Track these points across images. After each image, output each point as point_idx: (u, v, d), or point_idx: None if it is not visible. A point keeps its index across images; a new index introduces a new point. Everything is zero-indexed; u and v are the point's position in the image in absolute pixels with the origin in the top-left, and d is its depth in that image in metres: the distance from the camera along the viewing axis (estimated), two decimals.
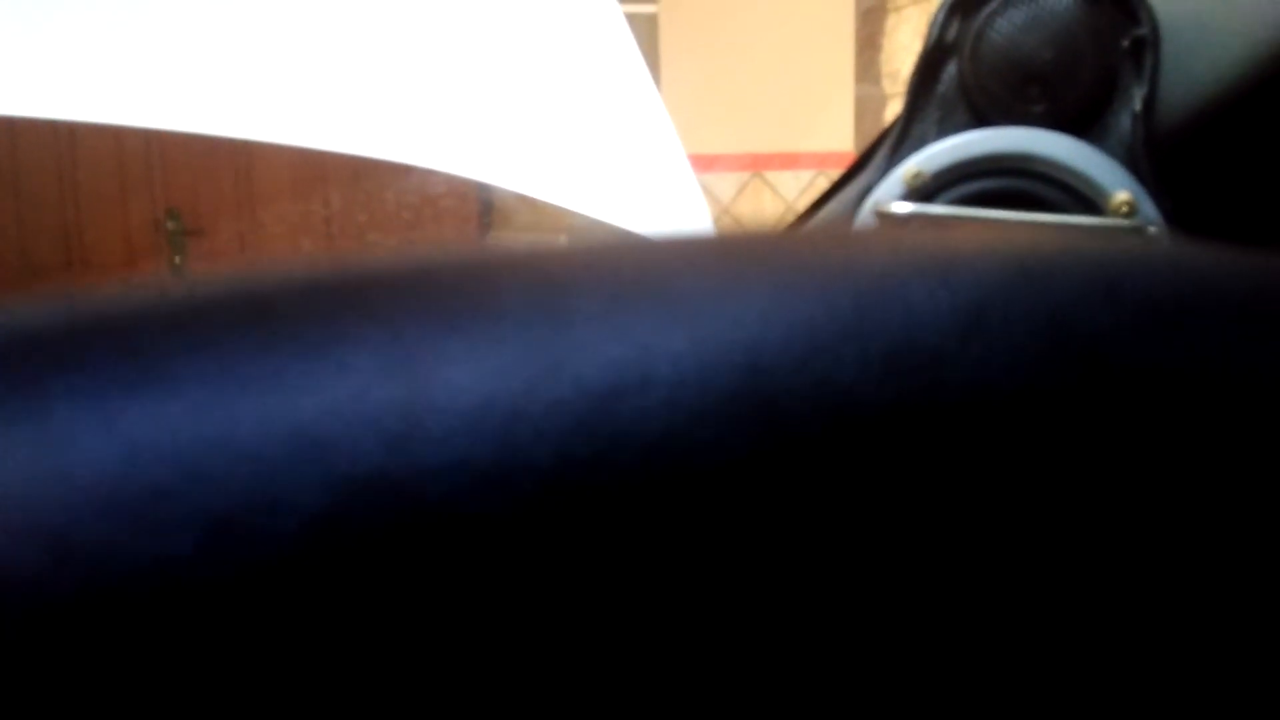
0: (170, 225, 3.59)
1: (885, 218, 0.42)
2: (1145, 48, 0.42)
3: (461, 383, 0.06)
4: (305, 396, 0.06)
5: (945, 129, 0.43)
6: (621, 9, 1.02)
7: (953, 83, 0.43)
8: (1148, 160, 0.42)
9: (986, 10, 0.42)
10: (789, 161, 3.80)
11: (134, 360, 0.06)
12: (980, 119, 0.43)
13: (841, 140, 3.70)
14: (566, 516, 0.06)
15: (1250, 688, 0.09)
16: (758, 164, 3.80)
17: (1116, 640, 0.08)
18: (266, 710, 0.06)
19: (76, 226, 3.61)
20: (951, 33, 0.43)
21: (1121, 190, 0.41)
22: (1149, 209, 0.41)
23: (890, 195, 0.43)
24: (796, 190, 3.76)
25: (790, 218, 0.62)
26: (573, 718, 0.07)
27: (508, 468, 0.06)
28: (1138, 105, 0.42)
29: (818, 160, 3.74)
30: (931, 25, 0.44)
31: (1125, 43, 0.42)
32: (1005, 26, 0.42)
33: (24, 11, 0.87)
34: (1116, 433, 0.08)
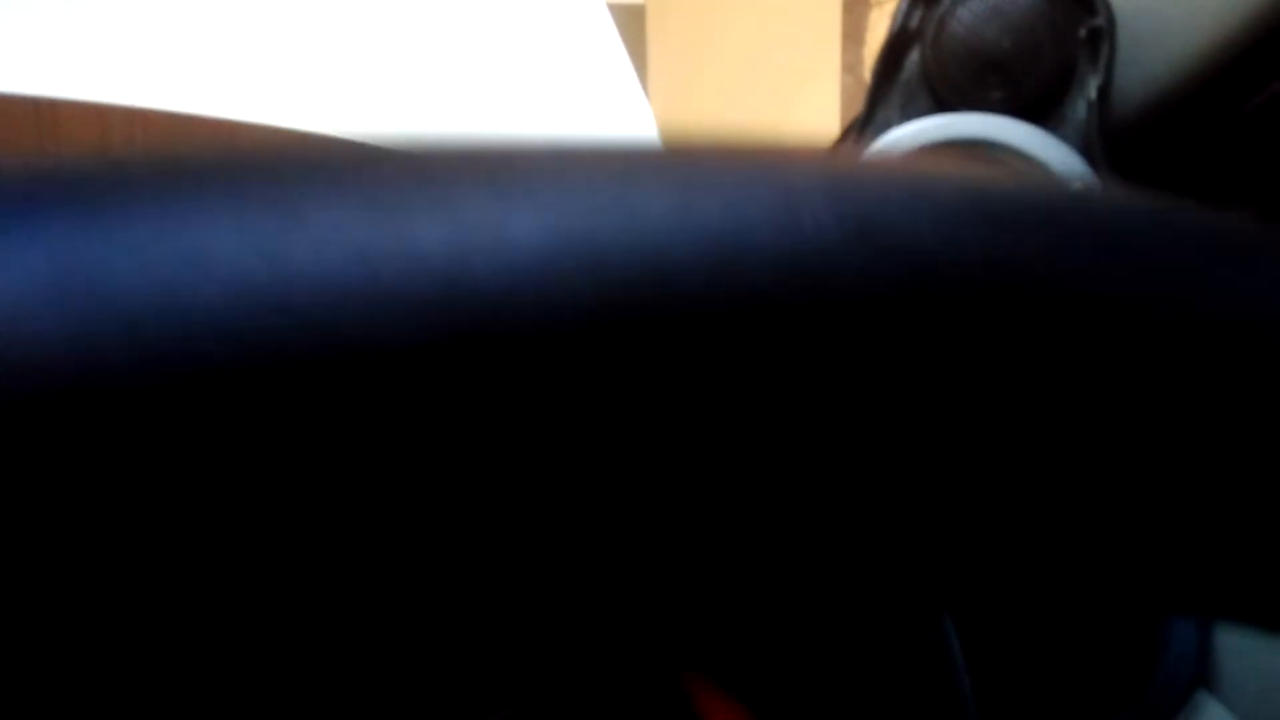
0: None
1: None
2: (1101, 38, 0.43)
3: (327, 237, 0.08)
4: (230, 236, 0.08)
5: (908, 114, 0.45)
6: (606, 0, 1.02)
7: (916, 70, 0.45)
8: (1102, 147, 0.43)
9: (948, 0, 0.44)
10: None
11: (277, 194, 0.08)
12: (941, 105, 0.44)
13: (828, 132, 3.71)
14: (429, 347, 0.08)
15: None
16: None
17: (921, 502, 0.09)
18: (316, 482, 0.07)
19: None
20: (915, 21, 0.44)
21: (1075, 177, 0.42)
22: None
23: None
24: None
25: None
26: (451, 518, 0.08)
27: (385, 304, 0.08)
28: (1093, 94, 0.43)
29: None
30: (895, 14, 0.45)
31: (1082, 33, 0.43)
32: (966, 16, 0.43)
33: None
34: (955, 337, 0.09)
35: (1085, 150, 0.43)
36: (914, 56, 0.44)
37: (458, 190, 0.08)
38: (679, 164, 0.09)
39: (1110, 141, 0.44)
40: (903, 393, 0.09)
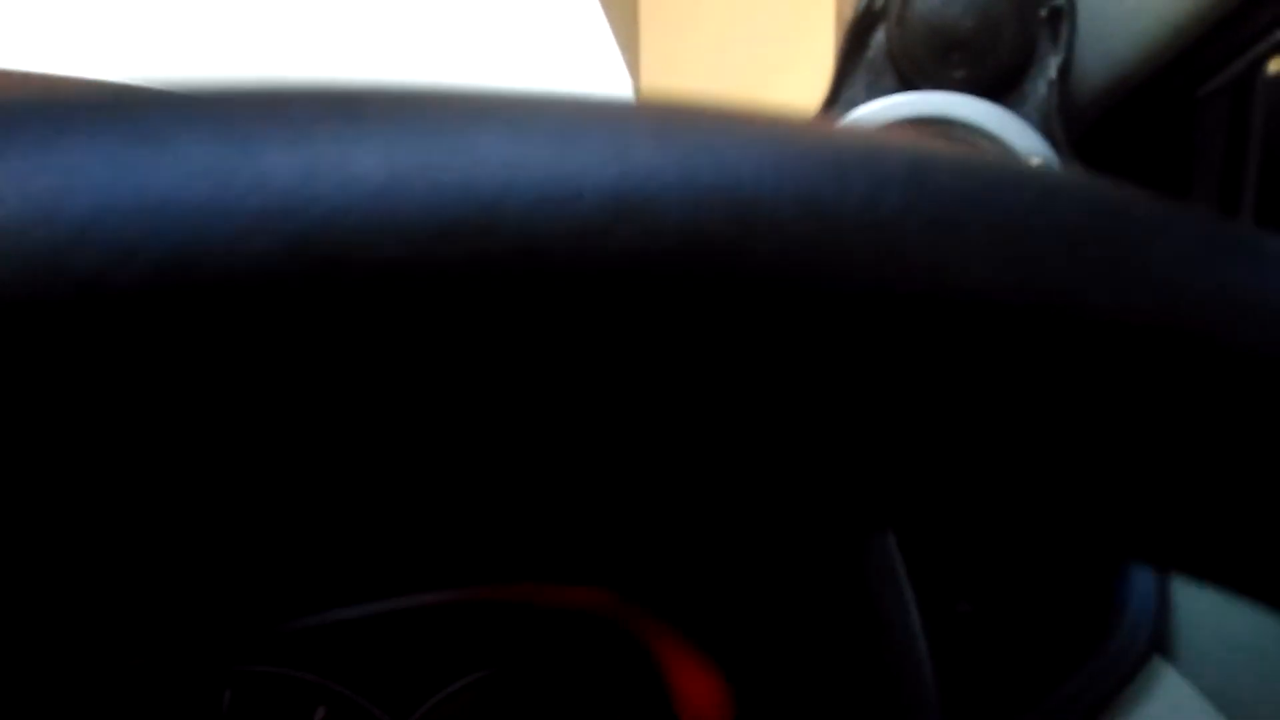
0: None
1: None
2: (1062, 17, 0.44)
3: (185, 161, 0.09)
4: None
5: (873, 93, 0.46)
6: None
7: (881, 49, 0.45)
8: (1062, 126, 0.44)
9: None
10: None
11: (146, 125, 0.09)
12: (906, 83, 0.45)
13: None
14: (274, 263, 0.09)
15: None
16: None
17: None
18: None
19: None
20: (880, 1, 0.45)
21: (1035, 154, 0.43)
22: None
23: None
24: None
25: None
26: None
27: (231, 220, 0.09)
28: (1054, 73, 0.44)
29: None
30: None
31: (1043, 12, 0.44)
32: None
33: None
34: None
35: (1045, 128, 0.44)
36: (879, 36, 0.45)
37: (312, 124, 0.09)
38: (525, 109, 0.10)
39: (1070, 120, 0.45)
40: (734, 328, 0.10)
